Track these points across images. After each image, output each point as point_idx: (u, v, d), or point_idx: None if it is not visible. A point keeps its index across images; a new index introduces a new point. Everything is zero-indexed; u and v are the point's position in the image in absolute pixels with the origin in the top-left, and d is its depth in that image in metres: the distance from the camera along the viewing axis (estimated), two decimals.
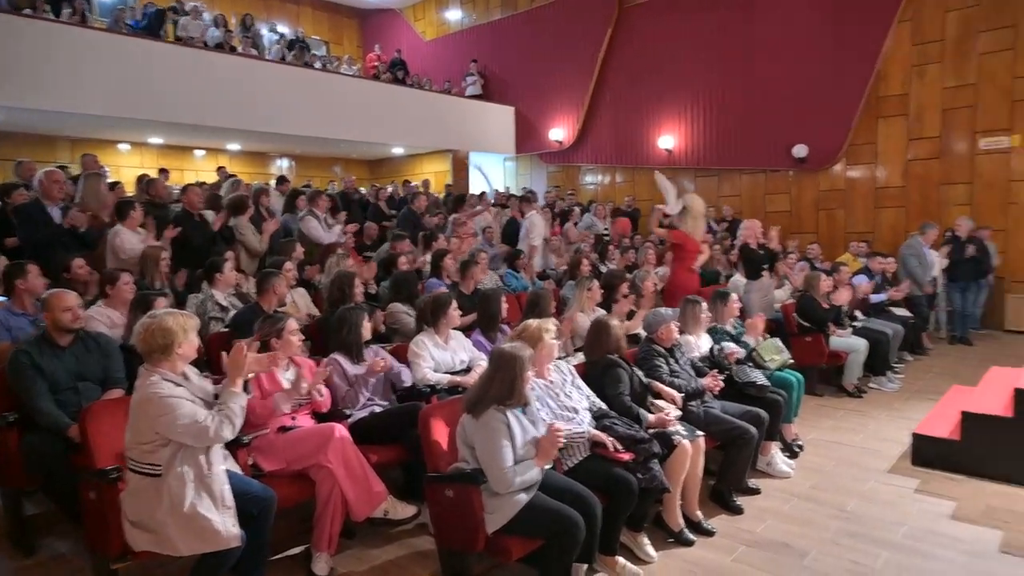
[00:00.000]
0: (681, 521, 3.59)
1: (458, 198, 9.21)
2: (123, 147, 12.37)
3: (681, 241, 6.79)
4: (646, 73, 12.81)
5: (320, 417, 3.51)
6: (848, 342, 6.38)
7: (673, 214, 6.89)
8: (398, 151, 14.71)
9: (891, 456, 4.78)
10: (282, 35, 12.99)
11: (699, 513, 3.72)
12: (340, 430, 3.20)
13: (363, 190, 11.05)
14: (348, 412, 3.53)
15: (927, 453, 4.58)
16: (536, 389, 3.34)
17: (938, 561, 3.35)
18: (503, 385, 2.90)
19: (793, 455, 4.77)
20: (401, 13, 17.15)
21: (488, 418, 2.87)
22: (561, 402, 3.39)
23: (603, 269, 7.40)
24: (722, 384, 4.23)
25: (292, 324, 3.44)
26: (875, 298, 7.63)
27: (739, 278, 7.28)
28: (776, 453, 4.54)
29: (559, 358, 4.32)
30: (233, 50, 11.24)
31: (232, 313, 4.67)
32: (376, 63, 14.82)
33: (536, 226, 8.55)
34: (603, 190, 13.80)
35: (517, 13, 14.72)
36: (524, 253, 7.66)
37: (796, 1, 10.89)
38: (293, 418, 3.33)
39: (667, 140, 12.54)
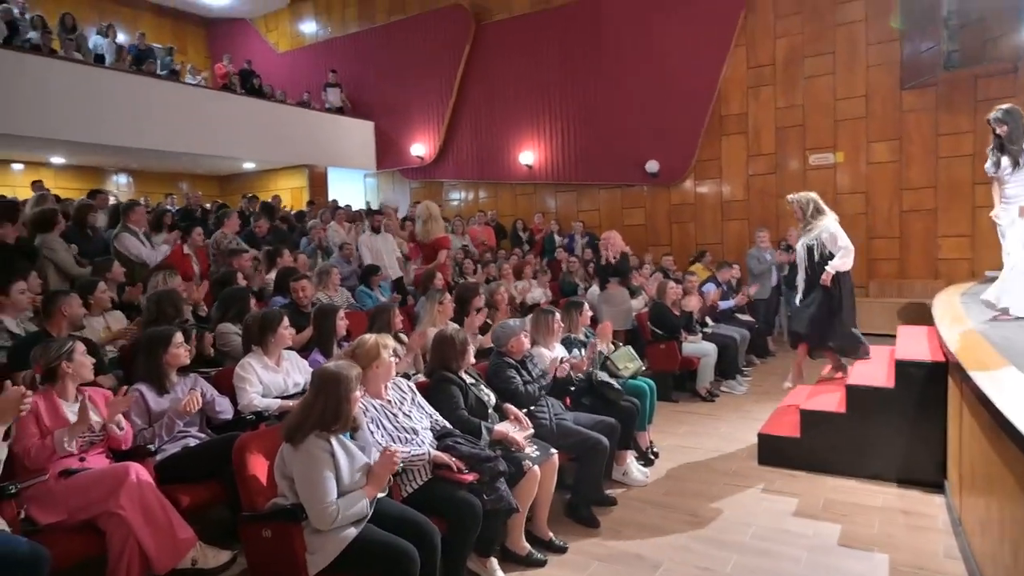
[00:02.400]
0: (526, 544, 3.40)
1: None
2: None
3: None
4: (505, 90, 12.88)
5: (120, 456, 3.02)
6: (699, 347, 6.56)
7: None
8: (249, 166, 13.86)
9: (740, 457, 4.88)
10: (111, 37, 11.81)
11: (549, 532, 3.56)
12: (137, 471, 2.74)
13: (208, 206, 10.24)
14: (152, 447, 3.05)
15: (771, 452, 4.70)
16: (371, 410, 3.05)
17: (783, 560, 3.37)
18: (327, 409, 2.59)
19: (648, 463, 4.75)
20: (252, 23, 16.30)
21: (308, 446, 2.55)
22: (399, 423, 3.11)
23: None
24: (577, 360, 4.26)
25: (81, 345, 2.94)
26: (724, 305, 7.96)
27: (595, 289, 7.35)
28: (631, 462, 4.49)
29: (408, 375, 4.06)
30: (53, 53, 10.11)
31: None
32: (225, 73, 13.92)
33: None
34: (467, 206, 13.68)
35: (375, 27, 14.38)
36: (381, 269, 7.32)
37: (643, 22, 11.33)
38: (82, 459, 2.83)
39: (527, 156, 12.63)
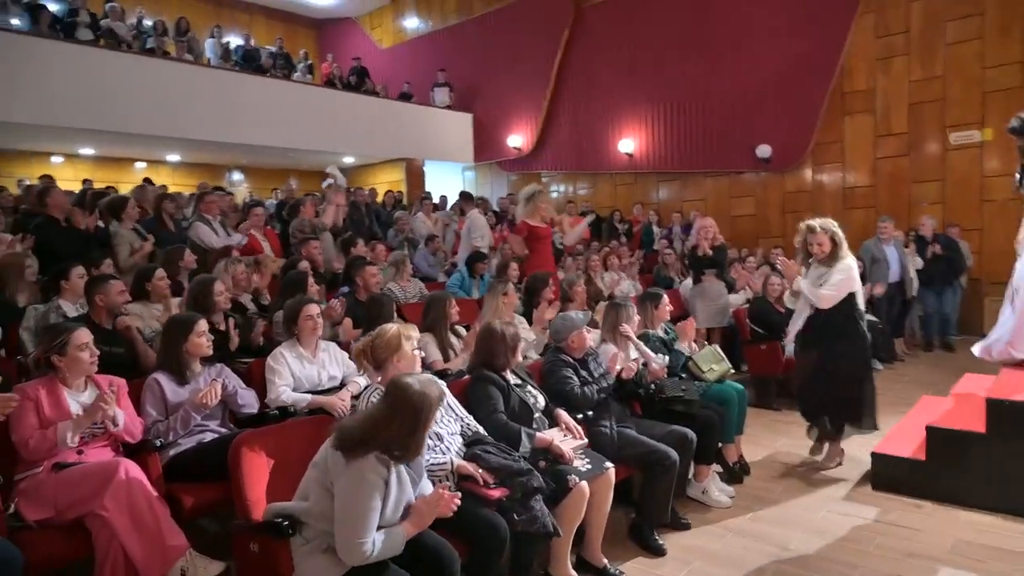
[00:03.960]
0: (573, 573, 2.91)
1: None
2: (56, 160, 11.68)
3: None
4: (604, 75, 12.28)
5: (129, 450, 2.82)
6: None
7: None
8: (349, 160, 14.05)
9: (850, 480, 4.14)
10: (216, 38, 12.30)
11: (603, 559, 3.05)
12: (128, 468, 2.50)
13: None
14: (158, 442, 2.82)
15: (889, 475, 3.94)
16: None
17: None
18: (399, 435, 2.17)
19: (735, 480, 4.12)
20: (357, 21, 16.59)
21: (364, 466, 2.12)
22: None
23: None
24: (657, 366, 3.72)
25: (80, 337, 2.73)
26: None
27: (688, 282, 6.68)
28: (713, 479, 3.89)
29: (463, 374, 3.68)
30: (166, 55, 10.61)
31: None
32: (329, 72, 14.18)
33: (478, 225, 7.90)
34: (565, 197, 13.20)
35: (473, 17, 14.18)
36: (487, 256, 7.00)
37: None
38: (80, 452, 2.63)
39: (627, 144, 11.98)
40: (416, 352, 2.78)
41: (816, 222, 4.18)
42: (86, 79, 8.92)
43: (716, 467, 4.08)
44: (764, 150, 10.39)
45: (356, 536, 2.08)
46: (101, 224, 5.55)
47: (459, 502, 2.30)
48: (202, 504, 2.77)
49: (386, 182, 13.84)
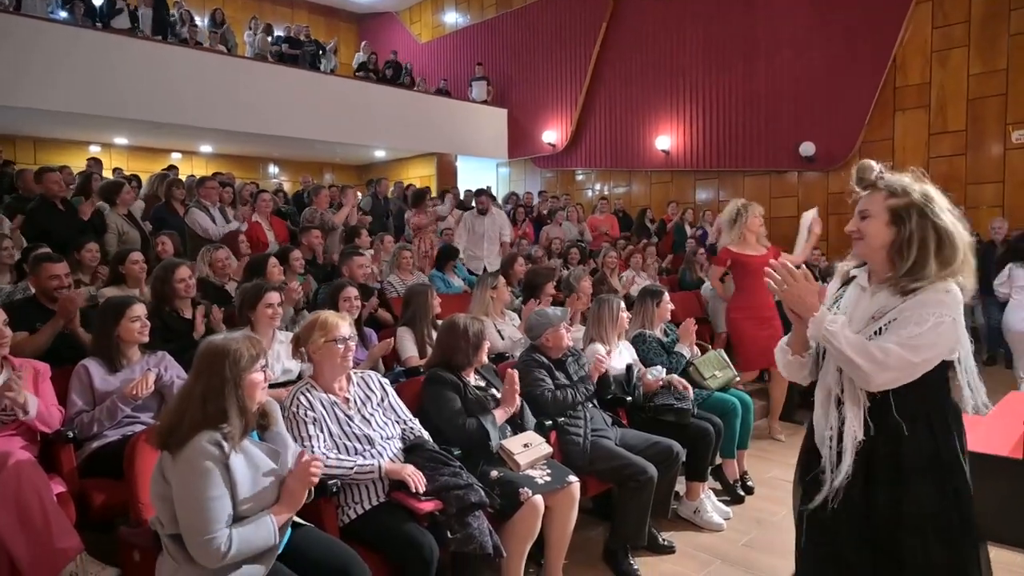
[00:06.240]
0: None
1: (416, 195, 8.22)
2: (93, 148, 11.86)
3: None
4: (642, 69, 11.84)
5: (46, 441, 2.60)
6: None
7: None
8: (380, 154, 13.94)
9: None
10: (254, 30, 12.31)
11: None
12: (18, 459, 2.26)
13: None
14: (70, 434, 2.59)
15: None
16: (316, 408, 2.39)
17: None
18: (209, 398, 1.89)
19: (736, 500, 3.71)
20: (397, 16, 16.51)
21: (190, 454, 1.85)
22: (351, 428, 2.42)
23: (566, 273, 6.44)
24: (605, 367, 3.36)
25: None
26: None
27: (709, 284, 6.24)
28: (707, 497, 3.50)
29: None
30: (198, 45, 10.65)
31: None
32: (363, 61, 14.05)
33: (507, 222, 7.77)
34: (599, 195, 12.81)
35: (511, 11, 13.89)
36: (460, 252, 6.77)
37: None
38: None
39: (664, 141, 11.51)
40: (337, 346, 2.44)
41: (886, 177, 1.85)
42: (120, 68, 8.98)
43: (715, 483, 3.70)
44: (808, 148, 9.80)
45: (201, 533, 1.80)
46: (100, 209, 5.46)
47: (321, 463, 2.00)
48: (115, 503, 2.52)
49: (417, 177, 13.68)
